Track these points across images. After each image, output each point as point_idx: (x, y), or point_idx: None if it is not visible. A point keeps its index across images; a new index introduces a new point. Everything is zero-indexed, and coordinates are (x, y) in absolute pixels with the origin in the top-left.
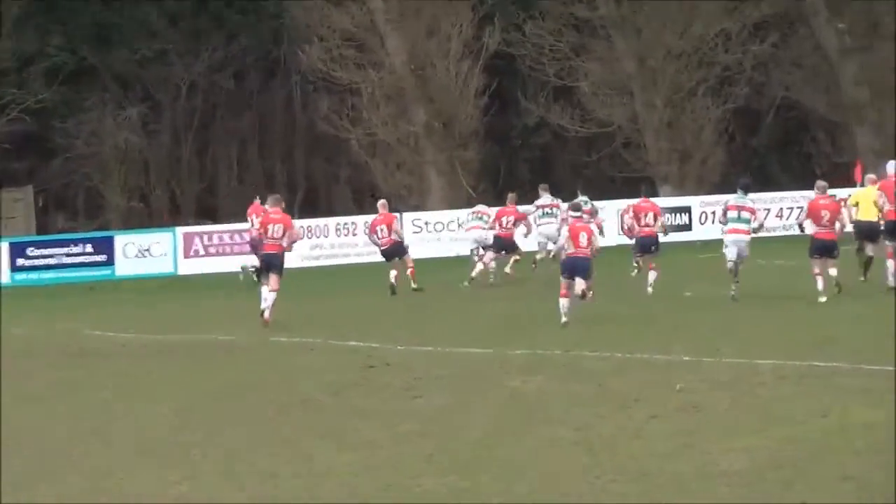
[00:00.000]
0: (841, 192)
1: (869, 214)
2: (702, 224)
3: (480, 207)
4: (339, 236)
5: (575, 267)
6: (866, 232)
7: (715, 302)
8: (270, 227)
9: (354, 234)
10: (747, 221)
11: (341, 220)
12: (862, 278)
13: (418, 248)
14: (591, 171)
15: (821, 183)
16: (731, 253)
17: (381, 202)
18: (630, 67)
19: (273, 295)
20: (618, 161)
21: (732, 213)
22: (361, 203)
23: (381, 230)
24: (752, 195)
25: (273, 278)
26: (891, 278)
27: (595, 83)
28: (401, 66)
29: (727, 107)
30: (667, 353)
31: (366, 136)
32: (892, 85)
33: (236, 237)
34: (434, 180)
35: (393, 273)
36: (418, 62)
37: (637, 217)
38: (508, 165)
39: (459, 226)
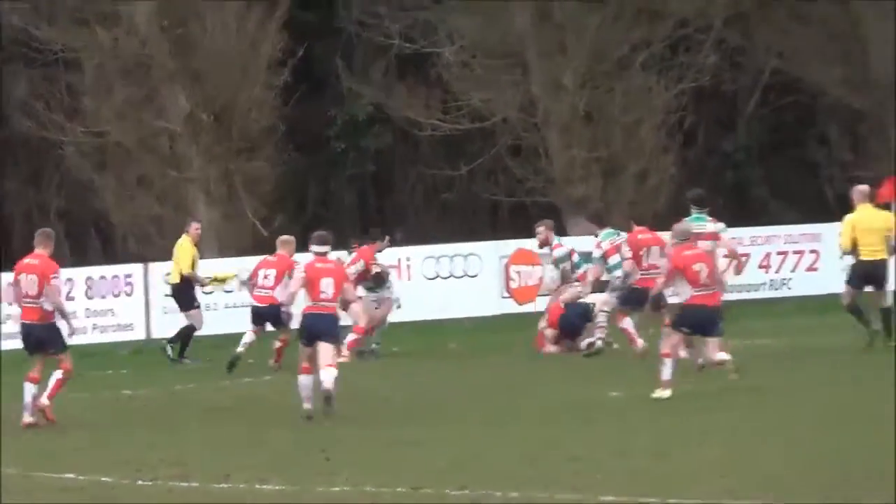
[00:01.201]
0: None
1: (873, 248)
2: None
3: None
4: None
5: (317, 328)
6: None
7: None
8: (23, 278)
9: (72, 299)
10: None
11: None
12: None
13: (175, 322)
14: (458, 192)
15: (681, 227)
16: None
17: (284, 238)
18: (523, 21)
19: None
20: (502, 177)
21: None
22: (82, 248)
23: (267, 277)
24: (724, 227)
25: (45, 363)
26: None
27: (466, 47)
28: (146, 22)
29: (683, 86)
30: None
31: (89, 136)
32: None
33: None
34: (202, 209)
35: (249, 337)
36: (174, 16)
37: (636, 256)
38: (324, 185)
39: (245, 284)
